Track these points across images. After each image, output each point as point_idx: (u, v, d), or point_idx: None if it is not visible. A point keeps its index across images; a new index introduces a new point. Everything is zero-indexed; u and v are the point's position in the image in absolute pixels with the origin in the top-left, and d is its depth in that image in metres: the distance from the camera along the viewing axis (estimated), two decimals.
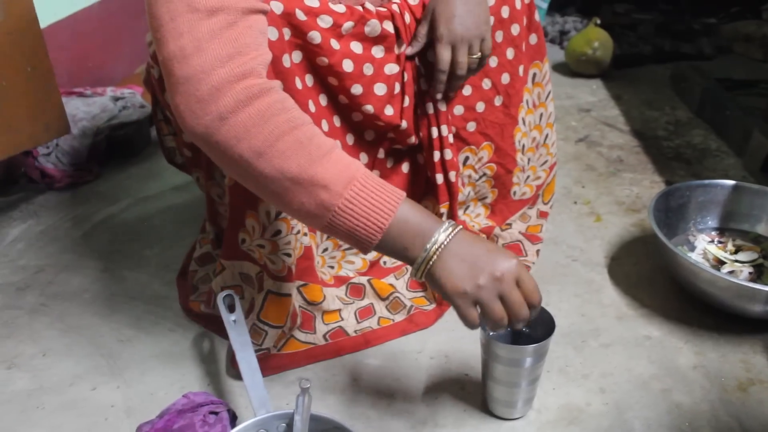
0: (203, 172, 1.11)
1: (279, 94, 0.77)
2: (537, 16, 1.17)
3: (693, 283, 1.09)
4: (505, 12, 1.08)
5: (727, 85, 1.86)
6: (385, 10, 1.01)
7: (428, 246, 0.75)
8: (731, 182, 1.27)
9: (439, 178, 1.12)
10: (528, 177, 1.24)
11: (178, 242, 1.36)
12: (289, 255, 0.99)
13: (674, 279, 1.17)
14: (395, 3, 1.02)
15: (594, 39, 2.09)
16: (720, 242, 1.25)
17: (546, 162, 1.26)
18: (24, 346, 1.12)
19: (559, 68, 2.24)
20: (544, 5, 2.26)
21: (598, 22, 2.18)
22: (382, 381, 1.01)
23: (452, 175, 1.12)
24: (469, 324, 0.77)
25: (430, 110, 1.08)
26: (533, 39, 1.17)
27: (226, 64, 0.74)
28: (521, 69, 1.14)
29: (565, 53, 2.18)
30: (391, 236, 0.75)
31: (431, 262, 0.75)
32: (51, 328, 1.16)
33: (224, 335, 1.07)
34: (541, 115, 1.23)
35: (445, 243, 0.75)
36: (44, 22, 1.36)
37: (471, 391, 0.98)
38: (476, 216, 1.24)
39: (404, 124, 1.06)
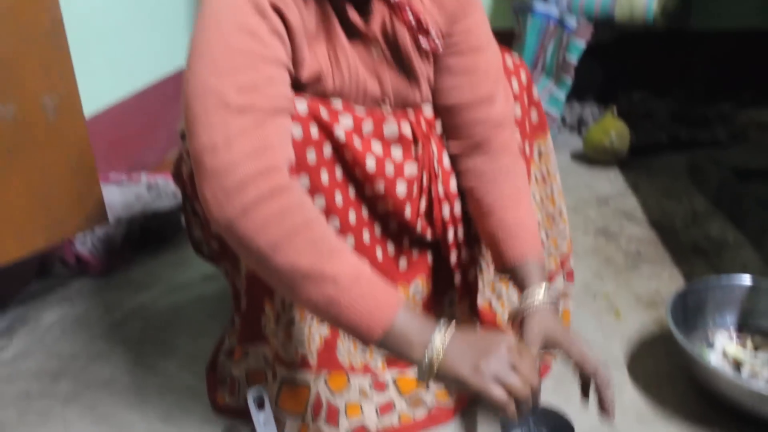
0: (230, 264, 1.16)
1: (298, 192, 0.84)
2: (535, 93, 1.22)
3: (713, 386, 1.10)
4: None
5: (743, 175, 1.90)
6: (401, 114, 1.08)
7: (427, 353, 0.81)
8: (749, 280, 1.30)
9: (457, 277, 1.16)
10: (550, 251, 1.28)
11: (208, 333, 1.40)
12: (302, 343, 1.03)
13: (694, 381, 1.18)
14: (409, 110, 1.09)
15: (611, 129, 2.15)
16: (739, 340, 1.27)
17: (565, 234, 1.30)
18: None
19: (578, 157, 2.30)
20: (562, 96, 2.33)
21: (615, 111, 2.24)
22: None
23: (471, 274, 1.16)
24: (500, 403, 0.80)
25: (446, 213, 1.12)
26: (534, 115, 1.23)
27: (253, 160, 0.81)
28: (526, 146, 1.19)
29: (583, 143, 2.24)
30: (391, 336, 0.81)
31: (435, 368, 0.81)
32: (83, 418, 1.19)
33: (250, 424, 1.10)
34: (552, 187, 1.27)
35: (443, 346, 0.81)
36: (87, 111, 1.44)
37: None
38: (505, 297, 1.26)
39: (419, 226, 1.11)
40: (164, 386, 1.26)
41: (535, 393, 0.84)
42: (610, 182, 2.09)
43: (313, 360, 1.04)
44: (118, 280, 1.65)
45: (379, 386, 1.13)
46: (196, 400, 1.22)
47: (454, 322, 0.85)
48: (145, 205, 1.77)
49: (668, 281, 1.53)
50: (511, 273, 1.05)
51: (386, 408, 1.12)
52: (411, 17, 0.99)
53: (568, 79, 2.31)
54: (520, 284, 1.03)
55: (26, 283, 1.65)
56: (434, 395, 1.15)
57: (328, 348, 1.06)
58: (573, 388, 1.19)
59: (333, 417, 1.06)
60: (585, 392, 0.95)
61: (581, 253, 1.65)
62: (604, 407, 0.93)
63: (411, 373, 1.17)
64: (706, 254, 1.65)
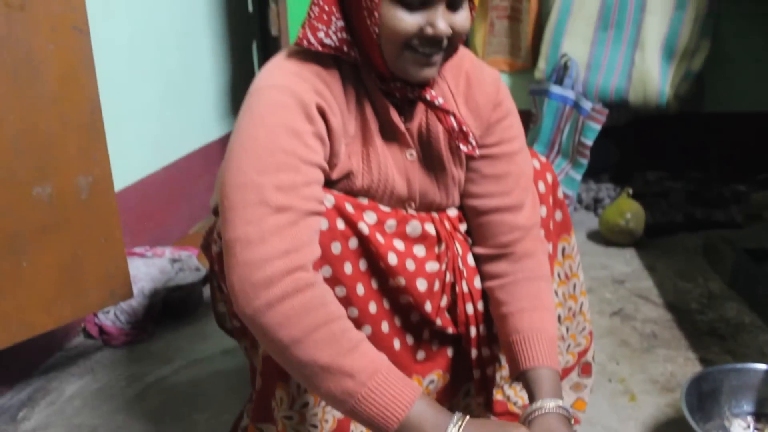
0: (249, 342, 1.19)
1: (321, 288, 0.88)
2: (560, 193, 1.25)
3: None
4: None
5: (758, 256, 1.91)
6: (425, 214, 1.12)
7: None
8: (765, 366, 1.30)
9: (476, 373, 1.17)
10: (569, 345, 1.29)
11: (227, 408, 1.42)
12: (315, 426, 1.04)
13: None
14: (434, 212, 1.13)
15: (627, 210, 2.18)
16: (756, 429, 1.26)
17: (584, 329, 1.31)
18: None
19: (594, 237, 2.33)
20: (578, 177, 2.38)
21: (630, 192, 2.28)
22: None
23: (489, 369, 1.17)
24: None
25: (470, 311, 1.14)
26: (558, 215, 1.25)
27: (283, 258, 0.85)
28: (550, 246, 1.22)
29: (599, 223, 2.27)
30: (407, 428, 0.84)
31: None
32: None
33: None
34: (575, 285, 1.29)
35: None
36: (115, 187, 1.50)
37: None
38: (522, 389, 1.26)
39: (439, 322, 1.12)
40: None
41: None
42: (626, 263, 2.11)
43: None
44: (139, 353, 1.68)
45: None
46: None
47: (468, 416, 0.87)
48: (168, 278, 1.81)
49: (684, 365, 1.53)
50: (523, 380, 1.06)
51: None
52: (454, 123, 1.03)
53: (584, 161, 2.36)
54: (530, 391, 1.04)
55: (49, 354, 1.68)
56: None
57: (341, 429, 1.07)
58: None
59: None
60: None
61: (597, 334, 1.66)
62: None
63: None
64: (722, 337, 1.65)
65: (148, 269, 1.82)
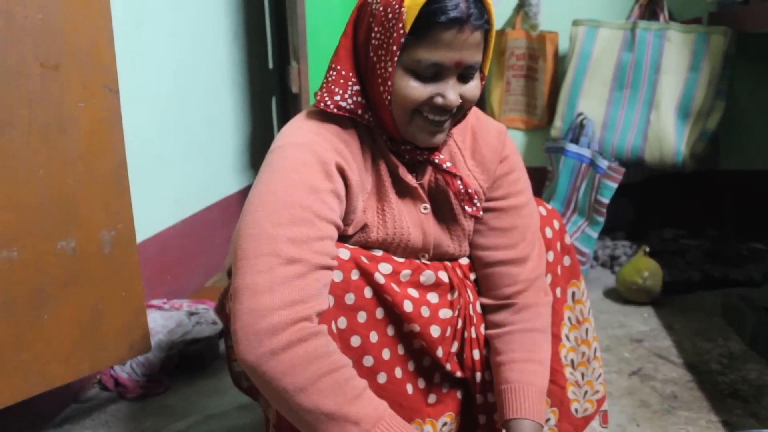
0: (264, 397, 1.19)
1: (325, 338, 0.89)
2: (568, 239, 1.27)
3: None
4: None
5: None
6: (438, 263, 1.14)
7: None
8: None
9: (482, 418, 1.18)
10: (586, 392, 1.28)
11: None
12: None
13: None
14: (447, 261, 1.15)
15: (644, 269, 2.17)
16: None
17: (600, 375, 1.30)
18: None
19: (611, 295, 2.32)
20: (595, 235, 2.38)
21: (647, 250, 2.28)
22: None
23: (496, 415, 1.17)
24: None
25: (476, 356, 1.16)
26: (567, 261, 1.27)
27: (289, 308, 0.87)
28: (558, 291, 1.23)
29: (616, 281, 2.26)
30: None
31: None
32: None
33: None
34: (587, 330, 1.29)
35: None
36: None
37: None
38: None
39: (448, 366, 1.14)
40: None
41: None
42: (644, 321, 2.10)
43: None
44: (154, 406, 1.68)
45: None
46: None
47: None
48: (185, 331, 1.82)
49: (706, 427, 1.51)
50: (506, 428, 1.08)
51: None
52: (460, 186, 1.08)
53: (600, 219, 2.37)
54: None
55: (64, 406, 1.68)
56: None
57: None
58: None
59: None
60: None
61: (616, 394, 1.64)
62: None
63: None
64: (744, 399, 1.62)
65: (166, 322, 1.83)
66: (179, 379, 1.80)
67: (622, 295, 2.24)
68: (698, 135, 2.44)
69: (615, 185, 2.34)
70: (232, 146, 2.68)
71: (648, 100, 2.49)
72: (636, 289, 2.17)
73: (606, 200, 2.34)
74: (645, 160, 2.49)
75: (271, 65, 3.03)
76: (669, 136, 2.44)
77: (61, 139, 1.34)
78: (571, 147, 2.46)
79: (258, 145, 2.82)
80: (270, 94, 3.03)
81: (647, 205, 2.82)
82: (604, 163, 2.36)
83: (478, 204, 1.11)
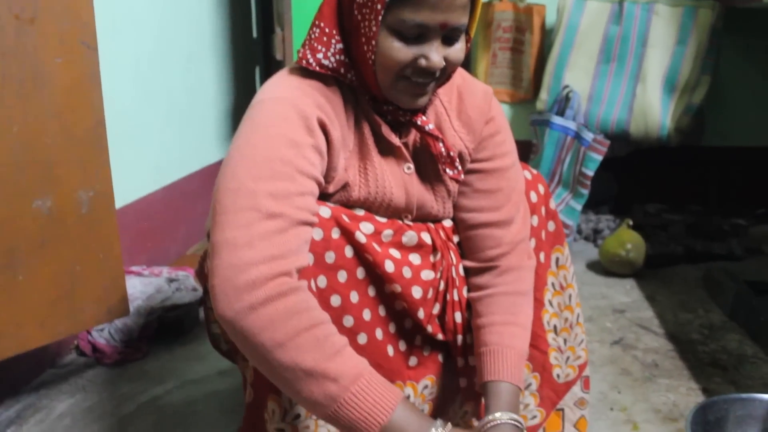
0: (242, 356, 1.17)
1: (305, 294, 0.87)
2: (552, 204, 1.26)
3: None
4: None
5: (758, 289, 1.91)
6: (421, 224, 1.13)
7: None
8: None
9: (462, 381, 1.17)
10: (568, 358, 1.28)
11: (222, 429, 1.39)
12: None
13: None
14: (430, 223, 1.14)
15: (627, 241, 2.18)
16: None
17: (582, 341, 1.30)
18: None
19: (593, 267, 2.32)
20: (578, 207, 2.38)
21: (631, 223, 2.28)
22: None
23: (476, 379, 1.17)
24: None
25: (458, 319, 1.15)
26: (551, 226, 1.26)
27: (269, 263, 0.85)
28: (542, 256, 1.22)
29: (599, 253, 2.27)
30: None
31: None
32: None
33: None
34: (570, 295, 1.29)
35: None
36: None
37: None
38: (525, 407, 1.25)
39: (429, 328, 1.13)
40: None
41: None
42: (626, 293, 2.10)
43: None
44: (132, 372, 1.66)
45: None
46: None
47: (450, 423, 0.87)
48: (165, 297, 1.79)
49: (686, 395, 1.51)
50: (483, 391, 1.07)
51: None
52: (442, 148, 1.06)
53: (585, 191, 2.36)
54: (488, 404, 1.05)
55: (40, 371, 1.65)
56: None
57: None
58: None
59: None
60: None
61: (597, 363, 1.65)
62: None
63: None
64: (724, 368, 1.63)
65: (145, 288, 1.80)
66: (158, 345, 1.78)
67: (604, 267, 2.24)
68: (684, 109, 2.43)
69: (600, 157, 2.33)
70: (214, 114, 2.64)
71: (634, 73, 2.48)
72: (619, 261, 2.17)
73: (590, 172, 2.34)
74: (630, 134, 2.48)
75: (255, 33, 2.99)
76: (654, 109, 2.43)
77: (36, 95, 1.30)
78: (557, 119, 2.45)
79: (241, 114, 2.74)
80: (254, 62, 2.99)
81: (631, 179, 2.82)
82: (589, 136, 2.35)
83: (460, 167, 1.09)
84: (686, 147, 2.63)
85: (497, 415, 1.01)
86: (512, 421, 1.00)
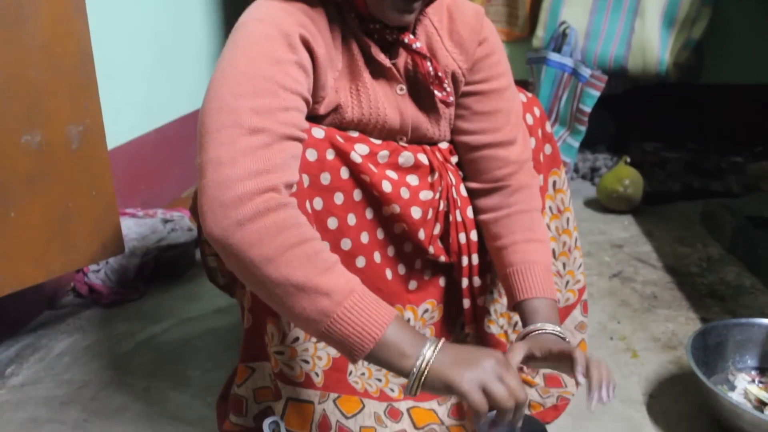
0: (240, 285, 1.16)
1: (294, 210, 0.85)
2: (548, 127, 1.24)
3: (736, 424, 1.08)
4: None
5: (756, 223, 1.90)
6: (417, 146, 1.11)
7: (418, 363, 0.82)
8: None
9: (466, 302, 1.17)
10: (568, 282, 1.27)
11: (221, 365, 1.39)
12: (306, 362, 1.03)
13: (716, 419, 1.16)
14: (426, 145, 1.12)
15: (625, 177, 2.16)
16: (761, 382, 1.25)
17: (581, 265, 1.30)
18: None
19: (591, 204, 2.31)
20: (576, 144, 2.35)
21: (628, 160, 2.26)
22: None
23: (480, 300, 1.16)
24: (480, 407, 0.82)
25: (462, 240, 1.14)
26: (548, 149, 1.24)
27: (254, 178, 0.83)
28: (540, 178, 1.21)
29: (597, 190, 2.25)
30: (381, 348, 0.83)
31: (423, 378, 0.82)
32: None
33: None
34: (568, 219, 1.28)
35: (433, 357, 0.83)
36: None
37: None
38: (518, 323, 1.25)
39: (431, 250, 1.12)
40: (176, 416, 1.24)
41: (520, 407, 0.84)
42: (624, 228, 2.09)
43: (318, 379, 1.04)
44: (129, 312, 1.65)
45: (394, 414, 1.11)
46: (208, 429, 1.20)
47: (443, 339, 0.86)
48: (160, 237, 1.78)
49: (685, 324, 1.51)
50: (519, 311, 1.06)
51: None
52: (430, 68, 1.03)
53: (582, 128, 2.34)
54: (526, 320, 1.04)
55: (37, 313, 1.65)
56: (448, 429, 1.13)
57: (337, 369, 1.06)
58: (590, 424, 1.17)
59: None
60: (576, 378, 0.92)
61: (597, 295, 1.65)
62: (592, 381, 0.90)
63: (426, 404, 1.15)
64: (722, 299, 1.63)
65: (140, 229, 1.78)
66: (155, 285, 1.77)
67: (602, 204, 2.23)
68: (683, 43, 2.39)
69: (597, 93, 2.30)
70: (205, 56, 2.58)
71: (633, 7, 2.42)
72: (617, 197, 2.16)
73: (588, 109, 2.31)
74: (628, 70, 2.44)
75: None
76: (653, 44, 2.39)
77: (20, 26, 1.26)
78: (554, 56, 2.40)
79: None
80: (244, 3, 2.91)
81: (629, 118, 2.79)
82: (586, 72, 2.31)
83: (449, 89, 1.07)
84: (684, 84, 2.59)
85: (541, 325, 0.99)
86: (557, 333, 0.99)
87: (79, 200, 1.40)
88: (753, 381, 1.25)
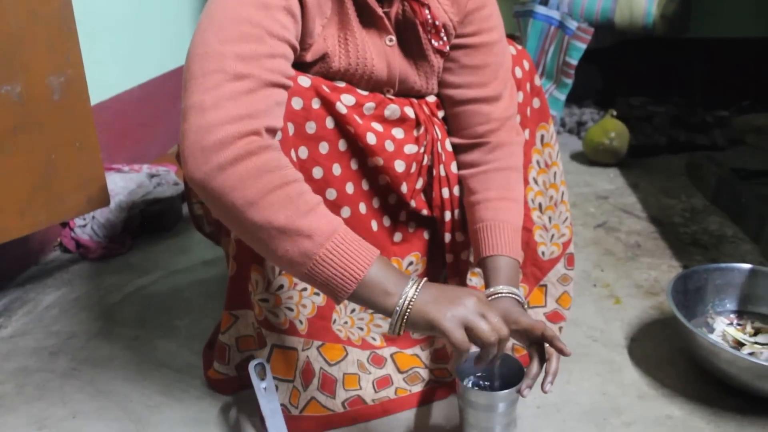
0: (225, 232, 1.17)
1: (276, 153, 0.85)
2: (537, 81, 1.24)
3: (713, 363, 1.10)
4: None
5: (741, 175, 1.92)
6: (404, 99, 1.11)
7: (400, 301, 0.83)
8: (749, 266, 1.30)
9: (449, 257, 1.17)
10: (553, 236, 1.28)
11: (208, 314, 1.40)
12: (291, 309, 1.04)
13: (694, 360, 1.18)
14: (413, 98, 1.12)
15: (611, 129, 2.16)
16: (739, 324, 1.27)
17: (567, 219, 1.31)
18: (55, 408, 1.14)
19: (577, 157, 2.31)
20: (562, 97, 2.35)
21: (615, 113, 2.26)
22: None
23: (464, 254, 1.17)
24: (461, 344, 0.83)
25: (446, 195, 1.14)
26: (536, 103, 1.24)
27: (236, 123, 0.83)
28: (527, 133, 1.22)
29: (583, 143, 2.26)
30: (364, 287, 0.83)
31: (406, 316, 0.83)
32: (81, 391, 1.19)
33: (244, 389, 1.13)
34: (555, 173, 1.29)
35: (415, 296, 0.84)
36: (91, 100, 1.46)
37: None
38: None
39: (413, 203, 1.13)
40: (164, 363, 1.26)
41: (503, 343, 0.86)
42: (610, 180, 2.11)
43: (301, 327, 1.05)
44: (117, 265, 1.65)
45: (378, 361, 1.13)
46: (195, 376, 1.21)
47: (426, 278, 0.87)
48: (146, 192, 1.77)
49: (668, 271, 1.54)
50: (482, 267, 1.07)
51: (383, 382, 1.12)
52: (428, 15, 1.02)
53: (569, 81, 2.33)
54: (487, 278, 1.05)
55: (24, 268, 1.65)
56: (431, 372, 1.15)
57: (321, 317, 1.07)
58: (573, 366, 1.20)
59: (329, 386, 1.06)
60: (540, 359, 0.97)
61: (581, 244, 1.66)
62: (560, 350, 0.94)
63: (410, 350, 1.17)
64: (705, 247, 1.65)
65: (126, 183, 1.78)
66: (142, 240, 1.77)
67: (588, 156, 2.24)
68: None
69: (584, 46, 2.28)
70: (189, 10, 2.54)
71: None
72: (602, 149, 2.17)
73: (574, 62, 2.30)
74: (615, 22, 2.43)
75: None
76: None
77: None
78: (540, 9, 2.38)
79: None
80: None
81: (615, 72, 2.78)
82: (573, 24, 2.29)
83: (445, 38, 1.06)
84: (670, 39, 2.58)
85: (497, 288, 1.02)
86: (512, 295, 1.01)
87: (63, 152, 1.39)
88: (731, 324, 1.27)
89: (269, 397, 1.00)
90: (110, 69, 1.98)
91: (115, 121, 1.98)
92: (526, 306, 1.04)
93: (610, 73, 2.78)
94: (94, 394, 1.18)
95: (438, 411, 1.11)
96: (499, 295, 1.01)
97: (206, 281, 1.55)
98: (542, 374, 0.95)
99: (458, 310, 0.84)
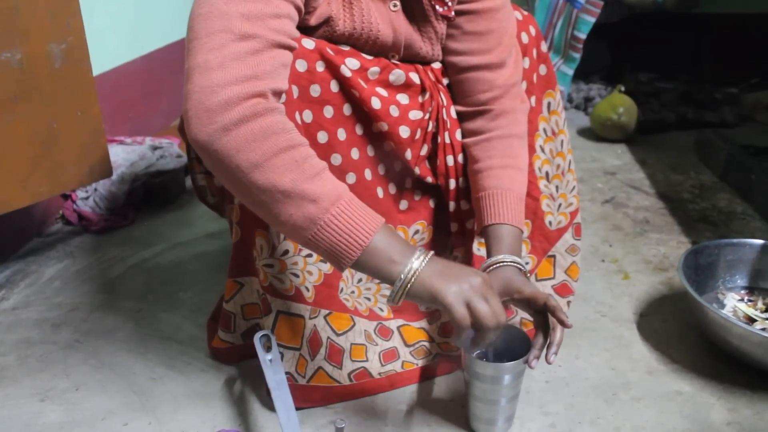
0: (229, 199, 1.15)
1: (281, 116, 0.83)
2: (544, 47, 1.22)
3: (724, 338, 1.09)
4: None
5: (751, 152, 1.89)
6: (409, 64, 1.08)
7: (405, 271, 0.82)
8: (760, 241, 1.28)
9: (454, 226, 1.16)
10: (560, 205, 1.26)
11: (212, 287, 1.39)
12: (296, 275, 1.02)
13: (705, 335, 1.17)
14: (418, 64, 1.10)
15: (619, 105, 2.13)
16: (750, 301, 1.25)
17: (574, 188, 1.29)
18: (57, 380, 1.13)
19: (585, 133, 2.29)
20: (570, 72, 2.31)
21: (623, 89, 2.23)
22: (412, 426, 1.02)
23: (469, 223, 1.16)
24: (462, 321, 0.82)
25: (450, 163, 1.12)
26: (543, 69, 1.22)
27: (242, 84, 0.80)
28: (533, 100, 1.19)
29: (590, 118, 2.23)
30: (369, 255, 0.82)
31: (409, 286, 0.82)
32: (84, 363, 1.18)
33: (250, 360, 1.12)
34: (562, 141, 1.26)
35: (420, 268, 0.82)
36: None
37: None
38: None
39: (417, 170, 1.11)
40: (167, 335, 1.25)
41: (499, 330, 0.85)
42: (618, 156, 2.08)
43: (308, 294, 1.03)
44: (120, 237, 1.64)
45: (385, 333, 1.11)
46: (199, 349, 1.20)
47: (432, 252, 0.86)
48: (149, 164, 1.75)
49: (677, 247, 1.52)
50: (485, 235, 1.06)
51: (390, 355, 1.10)
52: None
53: (576, 55, 2.29)
54: (489, 247, 1.04)
55: (26, 240, 1.63)
56: (438, 345, 1.14)
57: (328, 285, 1.05)
58: (582, 341, 1.18)
59: (336, 356, 1.05)
60: (544, 329, 0.96)
61: (589, 219, 1.64)
62: (561, 321, 0.93)
63: (416, 323, 1.16)
64: (714, 224, 1.63)
65: (128, 155, 1.76)
66: (145, 212, 1.75)
67: (596, 132, 2.21)
68: None
69: (592, 20, 2.24)
70: None
71: None
72: (610, 125, 2.14)
73: (583, 36, 2.26)
74: None
75: None
76: None
77: None
78: None
79: None
80: None
81: (624, 48, 2.74)
82: None
83: (450, 3, 1.04)
84: (679, 15, 2.54)
85: (500, 257, 1.00)
86: (515, 264, 1.00)
87: (64, 121, 1.37)
88: (742, 299, 1.26)
89: (275, 369, 0.98)
90: (112, 39, 1.95)
91: (117, 92, 1.95)
92: (528, 274, 1.02)
93: (618, 48, 2.74)
94: (98, 366, 1.17)
95: (444, 384, 1.10)
96: (502, 263, 1.00)
97: (210, 254, 1.53)
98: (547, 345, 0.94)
99: (462, 286, 0.83)
